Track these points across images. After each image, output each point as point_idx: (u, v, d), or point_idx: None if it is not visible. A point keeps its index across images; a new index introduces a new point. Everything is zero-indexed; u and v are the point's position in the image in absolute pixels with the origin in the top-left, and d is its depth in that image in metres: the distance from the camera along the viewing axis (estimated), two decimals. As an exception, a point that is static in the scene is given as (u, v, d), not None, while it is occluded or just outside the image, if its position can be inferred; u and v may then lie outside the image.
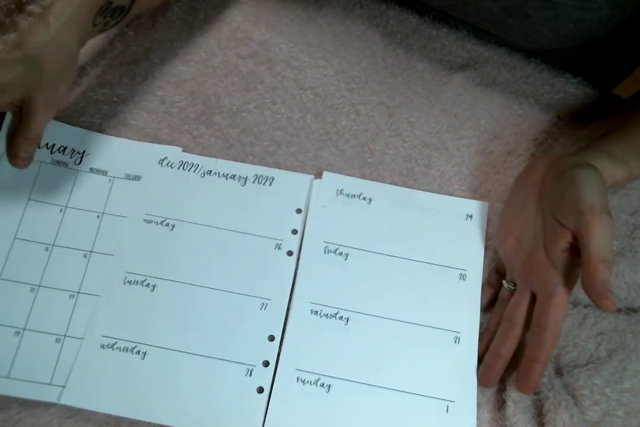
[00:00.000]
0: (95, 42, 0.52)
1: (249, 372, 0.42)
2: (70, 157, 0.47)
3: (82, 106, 0.50)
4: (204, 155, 0.49)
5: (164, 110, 0.50)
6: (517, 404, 0.41)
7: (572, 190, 0.39)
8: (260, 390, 0.41)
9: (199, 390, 0.41)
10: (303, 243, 0.46)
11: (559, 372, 0.42)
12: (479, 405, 0.42)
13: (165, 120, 0.50)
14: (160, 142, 0.49)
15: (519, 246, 0.43)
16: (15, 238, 0.45)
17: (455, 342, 0.43)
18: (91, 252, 0.45)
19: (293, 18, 0.55)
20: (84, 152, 0.48)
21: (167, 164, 0.48)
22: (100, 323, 0.43)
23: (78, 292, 0.43)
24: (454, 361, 0.43)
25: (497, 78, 0.54)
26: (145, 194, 0.47)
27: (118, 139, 0.49)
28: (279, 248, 0.45)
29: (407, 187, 0.49)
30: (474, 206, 0.48)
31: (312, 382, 0.42)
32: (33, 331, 0.42)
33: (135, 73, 0.52)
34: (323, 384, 0.41)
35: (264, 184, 0.48)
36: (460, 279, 0.45)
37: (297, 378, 0.42)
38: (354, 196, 0.48)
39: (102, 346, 0.42)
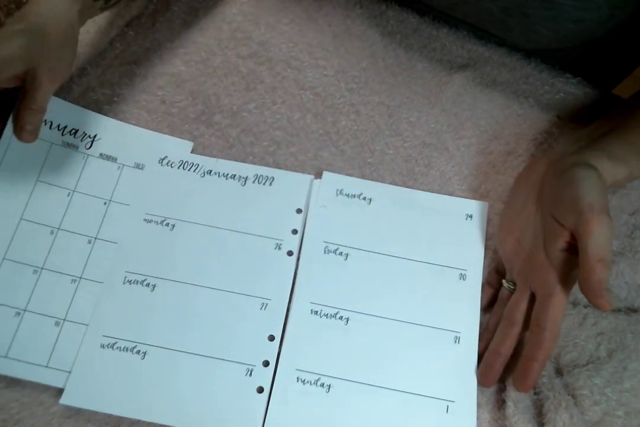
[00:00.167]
0: (95, 42, 0.52)
1: (249, 372, 0.42)
2: (81, 141, 0.47)
3: (82, 106, 0.49)
4: (204, 155, 0.49)
5: (164, 110, 0.50)
6: (517, 404, 0.41)
7: (571, 189, 0.39)
8: (260, 390, 0.41)
9: (199, 390, 0.41)
10: (303, 243, 0.46)
11: (559, 372, 0.42)
12: (479, 405, 0.42)
13: (165, 120, 0.50)
14: (160, 142, 0.49)
15: (519, 245, 0.43)
16: (21, 219, 0.45)
17: (455, 342, 0.43)
18: (96, 238, 0.45)
19: (293, 18, 0.55)
20: (95, 136, 0.48)
21: (168, 163, 0.48)
22: (100, 323, 0.42)
23: (80, 278, 0.44)
24: (454, 361, 0.43)
25: (497, 78, 0.54)
26: (147, 190, 0.47)
27: (131, 126, 0.49)
28: (279, 248, 0.45)
29: (407, 187, 0.49)
30: (474, 206, 0.48)
31: (312, 382, 0.41)
32: (33, 312, 0.42)
33: (135, 73, 0.52)
34: (323, 384, 0.41)
35: (264, 184, 0.48)
36: (460, 279, 0.45)
37: (297, 378, 0.42)
38: (354, 196, 0.48)
39: (102, 346, 0.42)
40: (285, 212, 0.47)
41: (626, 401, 0.41)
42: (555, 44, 0.50)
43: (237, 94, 0.52)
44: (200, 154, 0.49)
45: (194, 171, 0.48)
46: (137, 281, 0.44)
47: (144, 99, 0.51)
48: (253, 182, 0.48)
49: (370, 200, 0.48)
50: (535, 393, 0.42)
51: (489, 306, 0.45)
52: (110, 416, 0.40)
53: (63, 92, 0.49)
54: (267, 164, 0.49)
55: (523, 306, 0.41)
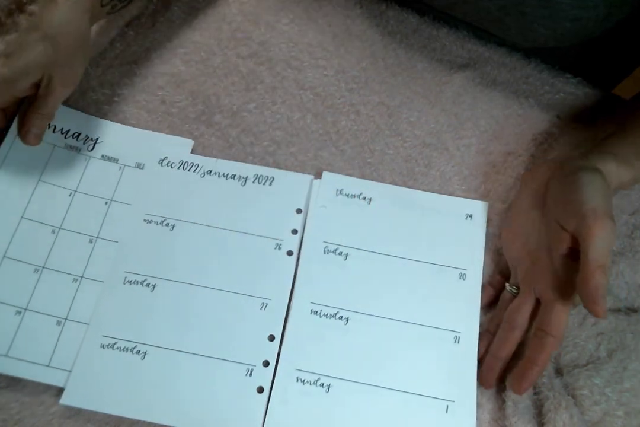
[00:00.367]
0: (95, 42, 0.52)
1: (249, 372, 0.42)
2: (84, 144, 0.48)
3: (82, 106, 0.50)
4: (204, 155, 0.49)
5: (164, 110, 0.50)
6: (517, 404, 0.41)
7: (575, 193, 0.39)
8: (260, 390, 0.41)
9: (199, 390, 0.41)
10: (303, 243, 0.46)
11: (559, 372, 0.42)
12: (478, 405, 0.42)
13: (165, 121, 0.50)
14: (160, 142, 0.49)
15: (524, 250, 0.43)
16: (22, 217, 0.45)
17: (455, 342, 0.43)
18: (97, 238, 0.45)
19: (293, 18, 0.55)
20: (97, 139, 0.48)
21: (168, 163, 0.48)
22: (101, 323, 0.42)
23: (81, 277, 0.44)
24: (454, 361, 0.43)
25: (497, 78, 0.54)
26: (147, 190, 0.47)
27: (133, 128, 0.49)
28: (279, 248, 0.45)
29: (407, 187, 0.49)
30: (474, 206, 0.48)
31: (312, 382, 0.41)
32: (34, 311, 0.42)
33: (135, 73, 0.52)
34: (323, 384, 0.41)
35: (264, 184, 0.48)
36: (460, 278, 0.45)
37: (297, 378, 0.42)
38: (354, 196, 0.48)
39: (102, 346, 0.42)
40: (285, 212, 0.47)
41: (626, 401, 0.41)
42: (553, 42, 0.50)
43: (237, 94, 0.52)
44: (200, 154, 0.49)
45: (194, 171, 0.48)
46: (137, 281, 0.44)
47: (144, 99, 0.51)
48: (253, 182, 0.48)
49: (370, 200, 0.48)
50: (535, 393, 0.42)
51: (489, 306, 0.45)
52: (110, 416, 0.40)
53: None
54: (267, 164, 0.49)
55: (525, 310, 0.41)
